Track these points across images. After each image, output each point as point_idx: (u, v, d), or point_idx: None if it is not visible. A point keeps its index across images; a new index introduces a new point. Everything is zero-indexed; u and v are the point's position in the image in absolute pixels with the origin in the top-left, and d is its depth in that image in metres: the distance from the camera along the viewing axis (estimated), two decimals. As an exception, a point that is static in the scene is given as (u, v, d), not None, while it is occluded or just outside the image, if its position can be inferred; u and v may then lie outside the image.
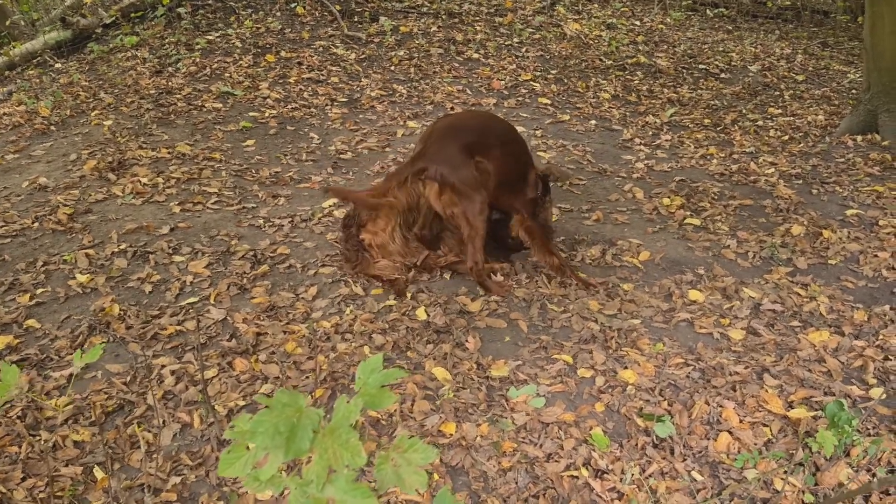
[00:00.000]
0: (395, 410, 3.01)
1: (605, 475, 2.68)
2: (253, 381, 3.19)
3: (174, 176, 5.19)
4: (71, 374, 3.22)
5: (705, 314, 3.71)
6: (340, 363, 3.30)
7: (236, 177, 5.29)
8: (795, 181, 5.56)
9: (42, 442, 2.83)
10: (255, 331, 3.50)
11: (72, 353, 3.37)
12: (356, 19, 9.02)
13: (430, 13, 9.48)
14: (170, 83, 7.09)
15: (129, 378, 3.21)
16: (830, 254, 4.34)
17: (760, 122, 7.06)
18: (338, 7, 8.98)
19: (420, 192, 3.87)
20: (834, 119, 7.13)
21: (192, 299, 3.78)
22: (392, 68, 7.83)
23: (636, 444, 2.82)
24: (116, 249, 4.21)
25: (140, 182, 5.05)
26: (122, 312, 3.64)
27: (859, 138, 6.53)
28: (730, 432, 2.85)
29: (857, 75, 9.30)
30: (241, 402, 3.06)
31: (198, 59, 7.68)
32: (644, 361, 3.31)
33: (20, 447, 2.83)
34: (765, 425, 2.90)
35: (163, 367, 3.28)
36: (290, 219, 4.64)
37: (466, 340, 3.46)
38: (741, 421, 2.91)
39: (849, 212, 4.96)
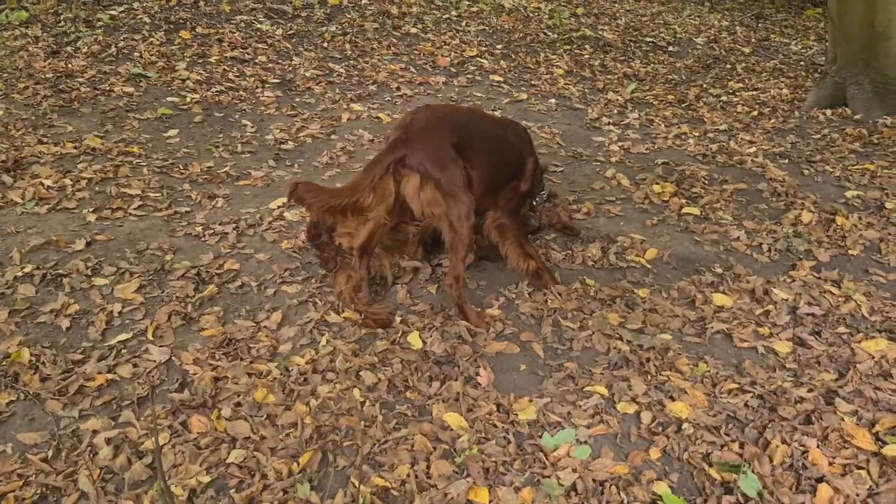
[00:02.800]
0: (408, 475, 2.37)
1: (692, 552, 2.14)
2: (217, 445, 2.48)
3: (84, 176, 4.32)
4: (-31, 452, 2.44)
5: (741, 323, 3.21)
6: (326, 413, 2.63)
7: (161, 174, 4.46)
8: (781, 160, 5.16)
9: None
10: (212, 375, 2.78)
11: (-31, 420, 2.57)
12: (278, -9, 8.16)
13: (359, -16, 8.70)
14: (70, 65, 6.10)
15: (50, 452, 2.44)
16: (849, 243, 3.92)
17: (724, 98, 6.67)
18: (257, -23, 8.09)
19: (393, 187, 3.15)
20: (798, 92, 6.81)
21: (123, 336, 3.01)
22: (325, 45, 7.05)
23: (717, 505, 2.28)
24: (20, 273, 3.36)
25: (43, 185, 4.16)
26: (33, 359, 2.84)
27: (829, 112, 6.23)
28: (825, 481, 2.34)
29: (800, 47, 9.12)
30: (205, 478, 2.35)
31: (101, 38, 6.68)
32: (690, 388, 2.78)
33: None
34: (860, 468, 2.41)
35: (94, 433, 2.53)
36: (233, 224, 3.88)
37: (477, 374, 2.84)
38: (831, 464, 2.42)
39: (848, 193, 4.58)
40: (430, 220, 3.19)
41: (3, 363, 2.81)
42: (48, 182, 4.21)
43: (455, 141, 3.14)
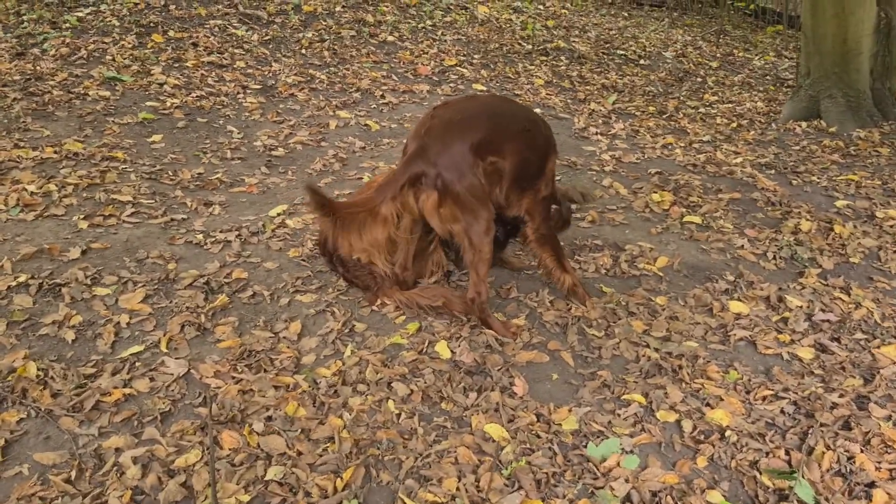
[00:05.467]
0: (458, 489, 2.29)
1: (759, 561, 2.10)
2: (252, 461, 2.36)
3: (70, 182, 4.12)
4: (-17, 474, 2.26)
5: (762, 330, 3.22)
6: (362, 426, 2.52)
7: (151, 180, 4.29)
8: (768, 171, 5.25)
9: None
10: (237, 388, 2.65)
11: (-23, 440, 2.39)
12: (251, -4, 8.01)
13: (332, -9, 8.61)
14: (38, 67, 5.85)
15: (72, 472, 2.28)
16: (850, 251, 3.99)
17: (703, 110, 6.78)
18: (229, -18, 7.93)
19: (412, 205, 3.00)
20: (773, 105, 6.97)
21: (135, 348, 2.85)
22: (303, 52, 6.93)
23: (775, 513, 2.25)
24: (13, 283, 3.17)
25: (26, 190, 3.96)
26: (41, 373, 2.67)
27: (804, 124, 6.38)
28: (877, 486, 2.34)
29: (763, 62, 9.35)
30: (245, 497, 2.22)
31: (69, 40, 6.44)
32: (725, 395, 2.77)
33: None
34: (906, 472, 2.42)
35: (118, 451, 2.38)
36: (235, 232, 3.74)
37: (512, 384, 2.77)
38: (878, 468, 2.42)
39: (838, 203, 4.67)
40: (448, 236, 3.12)
41: (9, 378, 2.63)
42: (31, 188, 4.01)
43: (480, 139, 3.00)
